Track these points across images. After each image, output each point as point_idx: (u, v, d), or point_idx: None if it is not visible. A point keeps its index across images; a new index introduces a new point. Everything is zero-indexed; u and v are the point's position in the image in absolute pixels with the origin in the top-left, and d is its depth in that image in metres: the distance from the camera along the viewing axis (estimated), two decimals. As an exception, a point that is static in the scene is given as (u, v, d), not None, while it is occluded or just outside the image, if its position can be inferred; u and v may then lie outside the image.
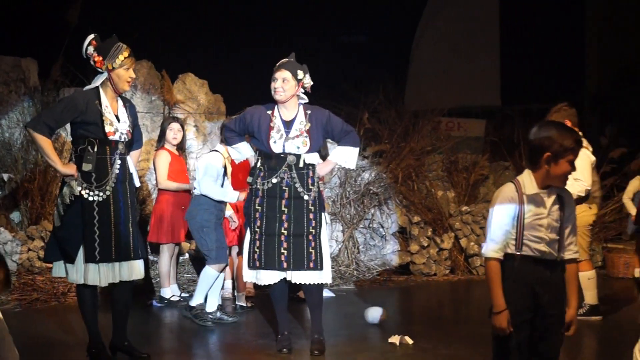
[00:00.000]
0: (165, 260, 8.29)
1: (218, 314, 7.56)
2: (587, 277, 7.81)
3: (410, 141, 10.78)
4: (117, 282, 5.99)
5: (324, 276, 6.49)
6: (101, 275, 5.89)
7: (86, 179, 5.84)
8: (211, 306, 7.56)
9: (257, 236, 6.39)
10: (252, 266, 6.44)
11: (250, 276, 6.53)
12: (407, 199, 10.47)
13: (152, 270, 8.79)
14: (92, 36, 5.94)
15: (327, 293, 8.29)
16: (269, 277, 6.44)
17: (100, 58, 5.87)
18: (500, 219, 4.13)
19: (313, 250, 6.37)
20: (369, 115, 10.63)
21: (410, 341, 6.85)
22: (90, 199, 5.85)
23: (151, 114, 9.57)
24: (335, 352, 6.55)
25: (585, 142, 7.81)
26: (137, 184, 6.28)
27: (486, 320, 8.07)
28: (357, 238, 10.18)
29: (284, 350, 6.50)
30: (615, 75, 16.78)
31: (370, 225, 10.25)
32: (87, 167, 5.83)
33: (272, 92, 6.36)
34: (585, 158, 7.66)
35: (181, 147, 8.53)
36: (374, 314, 7.51)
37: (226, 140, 6.76)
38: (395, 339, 6.87)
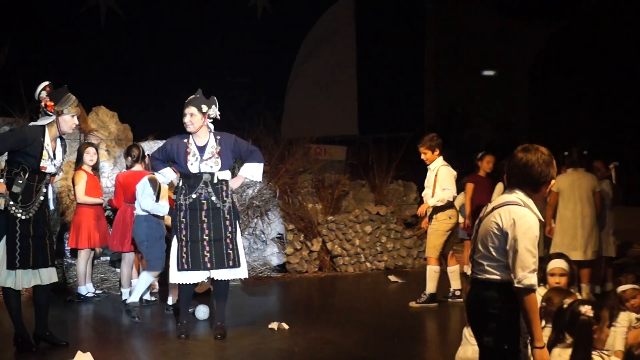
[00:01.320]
0: (82, 262, 8.11)
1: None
2: (434, 271, 7.99)
3: (285, 163, 10.83)
4: (35, 284, 5.94)
5: (239, 272, 6.56)
6: (17, 279, 5.85)
7: (14, 198, 5.77)
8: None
9: (183, 243, 6.40)
10: (180, 269, 6.42)
11: (177, 278, 6.50)
12: (283, 211, 10.51)
13: (70, 271, 8.58)
14: (46, 83, 5.92)
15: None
16: (194, 277, 6.47)
17: (52, 103, 5.85)
18: (533, 247, 3.41)
19: (231, 252, 6.44)
20: (252, 142, 10.64)
21: (286, 326, 6.90)
22: (14, 215, 5.76)
23: (69, 140, 9.28)
24: (226, 337, 6.56)
25: (445, 162, 8.11)
26: (52, 207, 6.27)
27: (347, 308, 8.19)
28: (243, 243, 10.14)
29: (182, 336, 6.50)
30: (446, 111, 17.38)
31: (254, 232, 10.25)
32: (16, 189, 5.77)
33: (185, 125, 6.41)
34: (449, 172, 7.95)
35: (96, 167, 8.42)
36: (204, 311, 7.32)
37: (153, 167, 6.77)
38: (274, 325, 6.92)
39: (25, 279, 5.86)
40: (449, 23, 17.55)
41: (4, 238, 5.78)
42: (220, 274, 6.47)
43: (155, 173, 6.79)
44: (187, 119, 6.39)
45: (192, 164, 6.37)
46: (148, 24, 13.21)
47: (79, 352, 5.80)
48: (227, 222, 6.44)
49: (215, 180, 6.41)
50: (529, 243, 3.40)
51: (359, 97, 16.48)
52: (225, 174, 6.49)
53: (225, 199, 6.44)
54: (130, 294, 7.84)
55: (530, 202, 3.53)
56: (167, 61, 12.97)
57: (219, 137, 6.48)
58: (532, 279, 3.38)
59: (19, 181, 5.75)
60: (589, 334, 4.22)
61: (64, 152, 6.12)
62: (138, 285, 7.43)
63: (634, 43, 14.54)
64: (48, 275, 5.98)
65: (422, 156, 8.07)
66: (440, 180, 7.88)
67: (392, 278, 9.90)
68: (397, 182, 11.64)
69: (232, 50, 14.20)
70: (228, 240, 6.43)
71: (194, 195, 6.39)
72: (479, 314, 3.59)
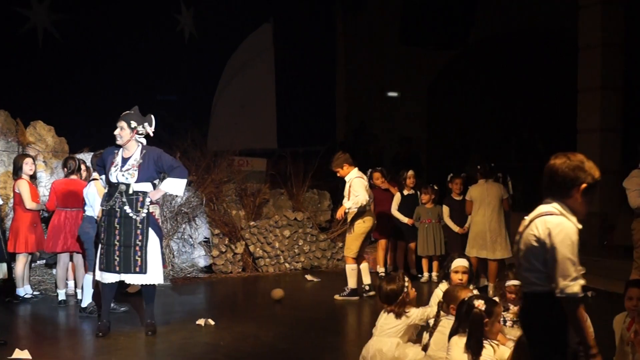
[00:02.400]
0: (20, 266, 7.82)
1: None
2: (352, 269, 8.13)
3: (211, 174, 10.72)
4: None
5: (150, 278, 6.36)
6: None
7: None
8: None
9: (101, 246, 6.30)
10: (98, 269, 6.34)
11: (98, 277, 6.42)
12: (209, 217, 10.41)
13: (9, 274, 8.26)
14: None
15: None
16: (108, 277, 6.32)
17: None
18: (572, 255, 3.05)
19: (139, 258, 6.27)
20: (180, 155, 10.47)
21: (212, 322, 6.85)
22: None
23: (8, 152, 8.98)
24: (156, 333, 6.44)
25: (360, 173, 8.24)
26: (0, 202, 6.07)
27: (268, 305, 8.14)
28: (172, 246, 9.99)
29: (100, 334, 6.33)
30: (355, 128, 17.58)
31: (182, 236, 10.11)
32: None
33: (115, 137, 6.32)
34: (360, 182, 8.11)
35: (33, 176, 8.17)
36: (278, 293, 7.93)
37: (98, 172, 6.73)
38: (201, 321, 6.85)
39: None
40: (357, 51, 17.80)
41: None
42: (129, 279, 6.34)
43: (100, 178, 6.75)
44: (116, 132, 6.31)
45: (111, 174, 6.29)
46: (83, 46, 12.83)
47: (17, 350, 5.61)
48: (138, 231, 6.24)
49: (131, 191, 6.24)
50: (568, 251, 3.06)
51: (277, 114, 16.44)
52: (144, 186, 6.29)
53: (139, 209, 6.25)
54: (65, 294, 7.68)
55: (566, 210, 3.16)
56: (101, 80, 12.61)
57: (144, 151, 6.35)
58: (574, 287, 3.03)
59: None
60: (481, 326, 4.33)
61: None
62: (86, 287, 7.17)
63: (513, 72, 15.10)
64: (1, 271, 5.80)
65: (338, 174, 8.30)
66: (353, 189, 8.09)
67: (308, 277, 9.94)
68: (312, 190, 11.70)
69: (161, 71, 13.93)
70: (137, 248, 6.25)
71: (111, 203, 6.27)
72: (530, 326, 3.26)
